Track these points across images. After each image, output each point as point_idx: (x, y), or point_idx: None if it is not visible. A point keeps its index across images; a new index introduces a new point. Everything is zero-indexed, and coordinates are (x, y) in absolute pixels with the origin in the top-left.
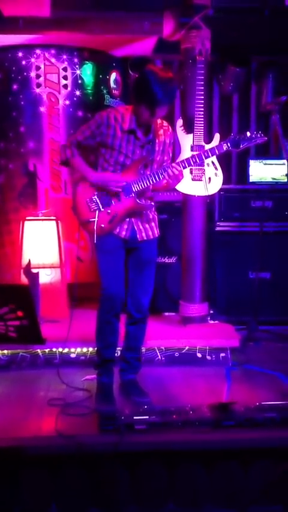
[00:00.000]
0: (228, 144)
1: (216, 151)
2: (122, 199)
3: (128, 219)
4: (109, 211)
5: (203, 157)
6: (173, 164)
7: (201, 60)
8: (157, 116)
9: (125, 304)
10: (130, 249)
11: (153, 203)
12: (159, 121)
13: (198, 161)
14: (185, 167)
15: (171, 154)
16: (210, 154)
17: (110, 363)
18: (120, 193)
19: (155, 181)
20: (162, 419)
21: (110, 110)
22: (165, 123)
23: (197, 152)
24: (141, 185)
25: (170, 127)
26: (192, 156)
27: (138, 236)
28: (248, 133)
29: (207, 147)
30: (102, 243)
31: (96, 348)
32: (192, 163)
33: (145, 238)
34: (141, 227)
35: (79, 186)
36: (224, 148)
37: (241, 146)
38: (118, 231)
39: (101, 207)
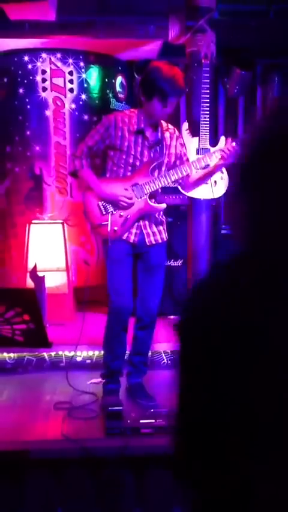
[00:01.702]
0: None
1: None
2: (134, 201)
3: (136, 223)
4: (122, 213)
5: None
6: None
7: (207, 64)
8: (169, 108)
9: (133, 308)
10: (139, 254)
11: (164, 204)
12: (164, 124)
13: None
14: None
15: (187, 155)
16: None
17: (117, 374)
18: (133, 196)
19: (166, 182)
20: (169, 422)
21: (117, 113)
22: (170, 126)
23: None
24: (153, 186)
25: (176, 129)
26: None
27: (146, 240)
28: None
29: (213, 150)
30: (111, 251)
31: (103, 360)
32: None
33: (153, 242)
34: (149, 231)
35: (89, 190)
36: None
37: None
38: (127, 235)
39: (113, 209)
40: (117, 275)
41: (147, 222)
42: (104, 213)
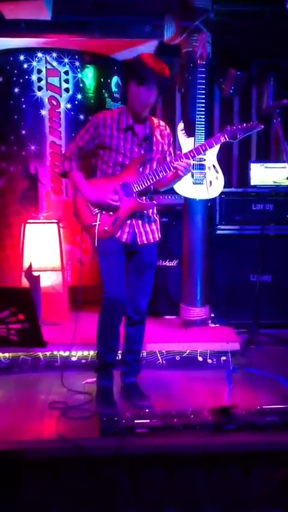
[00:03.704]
0: (226, 136)
1: (214, 143)
2: (123, 200)
3: (129, 222)
4: (111, 213)
5: (201, 150)
6: (181, 155)
7: (202, 64)
8: (144, 90)
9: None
10: (131, 253)
11: (154, 202)
12: (155, 121)
13: (196, 155)
14: (190, 157)
15: (173, 155)
16: (208, 147)
17: (110, 367)
18: (121, 195)
19: (155, 179)
20: (163, 422)
21: (105, 111)
22: (162, 123)
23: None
24: (141, 185)
25: (167, 127)
26: (191, 151)
27: (138, 240)
28: (244, 124)
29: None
30: (104, 247)
31: (97, 352)
32: (196, 154)
33: (145, 242)
34: (142, 230)
35: (79, 191)
36: (222, 140)
37: (238, 137)
38: (119, 234)
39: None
40: (111, 266)
41: (140, 221)
42: (93, 213)
